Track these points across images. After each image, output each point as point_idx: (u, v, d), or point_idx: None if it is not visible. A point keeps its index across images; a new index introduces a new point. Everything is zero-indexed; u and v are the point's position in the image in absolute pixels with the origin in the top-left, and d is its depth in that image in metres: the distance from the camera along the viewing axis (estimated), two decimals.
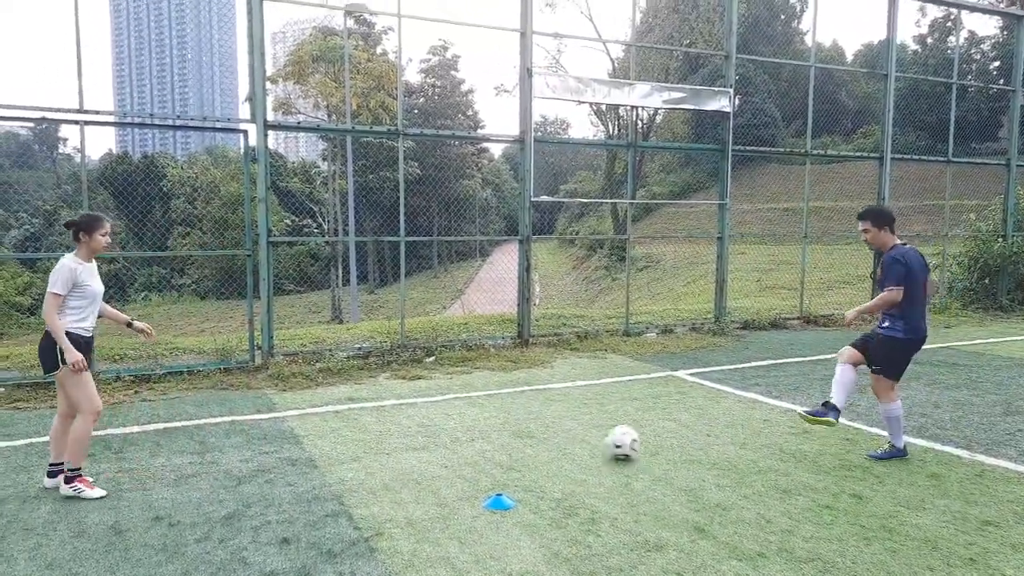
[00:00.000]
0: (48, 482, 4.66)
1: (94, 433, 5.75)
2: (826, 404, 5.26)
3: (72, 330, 4.49)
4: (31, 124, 7.56)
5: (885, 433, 5.49)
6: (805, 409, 5.46)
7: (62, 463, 4.59)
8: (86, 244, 4.60)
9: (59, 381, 4.56)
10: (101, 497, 4.48)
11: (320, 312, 34.19)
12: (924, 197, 28.45)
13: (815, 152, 12.89)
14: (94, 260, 4.72)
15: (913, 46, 48.10)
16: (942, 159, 13.99)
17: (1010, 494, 4.54)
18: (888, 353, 5.23)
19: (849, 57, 57.46)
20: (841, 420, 6.06)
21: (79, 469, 4.55)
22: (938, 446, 5.53)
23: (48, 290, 4.44)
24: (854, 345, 5.47)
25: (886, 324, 5.26)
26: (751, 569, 3.55)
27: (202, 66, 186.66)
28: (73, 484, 4.50)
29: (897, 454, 5.30)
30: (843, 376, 5.33)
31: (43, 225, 47.87)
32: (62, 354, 4.42)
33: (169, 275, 43.61)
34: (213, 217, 39.65)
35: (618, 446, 5.15)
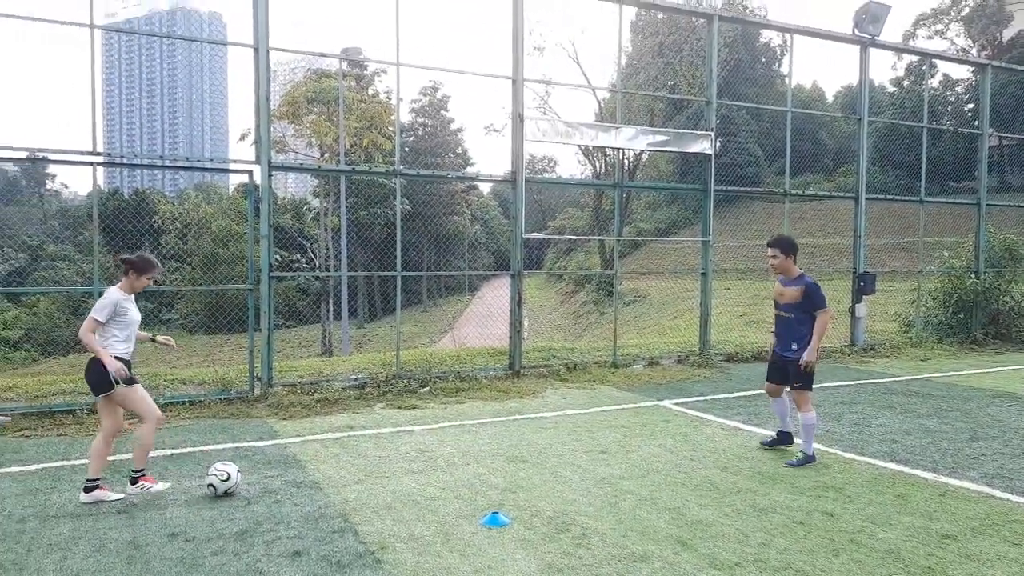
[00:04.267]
0: (84, 497, 5.01)
1: (107, 458, 6.05)
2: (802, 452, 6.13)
3: (120, 355, 5.02)
4: (22, 162, 7.93)
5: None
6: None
7: (99, 479, 5.06)
8: (131, 281, 5.17)
9: (115, 399, 5.03)
10: (166, 489, 5.14)
11: (310, 346, 34.31)
12: (903, 234, 29.21)
13: (793, 192, 13.45)
14: (133, 296, 5.24)
15: (891, 88, 49.73)
16: (915, 199, 14.60)
17: (969, 511, 4.89)
18: (808, 371, 6.06)
19: (829, 98, 59.15)
20: (818, 445, 6.49)
21: (143, 470, 5.09)
22: (906, 469, 5.88)
23: (90, 314, 4.98)
24: (770, 380, 6.50)
25: (795, 347, 6.12)
26: None
27: (192, 105, 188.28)
28: (138, 483, 5.05)
29: (810, 461, 5.99)
30: (779, 407, 6.53)
31: (28, 260, 47.84)
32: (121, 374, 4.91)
33: (157, 310, 43.58)
34: (203, 252, 39.93)
35: (211, 486, 5.08)
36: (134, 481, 5.09)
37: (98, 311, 4.96)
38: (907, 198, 15.52)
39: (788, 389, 6.32)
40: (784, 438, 6.47)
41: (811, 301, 6.02)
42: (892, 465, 6.00)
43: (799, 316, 6.09)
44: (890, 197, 15.98)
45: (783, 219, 13.28)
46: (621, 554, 4.16)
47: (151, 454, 5.45)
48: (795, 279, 6.15)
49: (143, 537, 4.38)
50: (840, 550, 4.23)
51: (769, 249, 6.23)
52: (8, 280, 43.08)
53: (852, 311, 13.31)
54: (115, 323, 5.05)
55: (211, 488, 5.09)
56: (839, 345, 13.20)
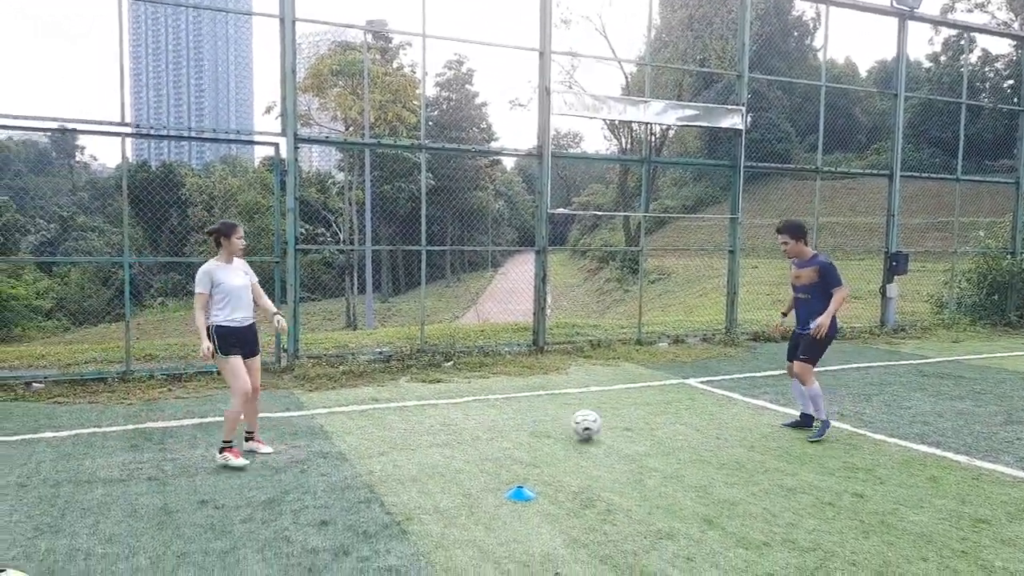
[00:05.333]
0: (243, 445, 5.45)
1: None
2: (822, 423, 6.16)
3: (223, 323, 5.21)
4: (52, 132, 8.03)
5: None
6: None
7: (253, 431, 5.54)
8: (226, 248, 5.31)
9: (218, 366, 5.28)
10: (244, 466, 5.14)
11: (334, 319, 34.61)
12: (938, 214, 28.57)
13: (826, 169, 13.16)
14: (236, 260, 5.37)
15: (927, 63, 48.37)
16: (951, 177, 14.23)
17: (1004, 496, 4.79)
18: (817, 345, 6.08)
19: (863, 74, 57.72)
20: (846, 426, 6.42)
21: (230, 442, 5.19)
22: (938, 451, 5.77)
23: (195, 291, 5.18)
24: (789, 359, 6.40)
25: (812, 325, 6.06)
26: (757, 556, 3.82)
27: (218, 77, 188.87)
28: (223, 454, 5.19)
29: (827, 426, 6.11)
30: (799, 388, 6.31)
31: (59, 230, 48.60)
32: (218, 344, 5.13)
33: (185, 281, 44.10)
34: None
35: (587, 429, 5.87)
36: (221, 450, 5.21)
37: (197, 285, 5.14)
38: (942, 176, 15.11)
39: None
40: (807, 420, 6.40)
41: (826, 280, 6.04)
42: (923, 447, 5.89)
43: (817, 296, 6.10)
44: (925, 175, 15.60)
45: (814, 197, 13.03)
46: (647, 531, 4.13)
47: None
48: (809, 260, 6.18)
49: (173, 503, 4.44)
50: (870, 532, 4.16)
51: (779, 236, 6.26)
52: (40, 250, 43.85)
53: (883, 291, 13.07)
54: (216, 293, 5.18)
55: (587, 431, 5.82)
56: (869, 326, 12.99)
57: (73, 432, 6.03)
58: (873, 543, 4.02)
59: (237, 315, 5.25)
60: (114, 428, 6.15)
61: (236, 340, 5.23)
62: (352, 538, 3.96)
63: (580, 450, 5.70)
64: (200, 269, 5.22)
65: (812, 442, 5.96)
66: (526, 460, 5.42)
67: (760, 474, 5.17)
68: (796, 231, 6.19)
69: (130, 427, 6.20)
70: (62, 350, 9.82)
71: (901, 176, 13.05)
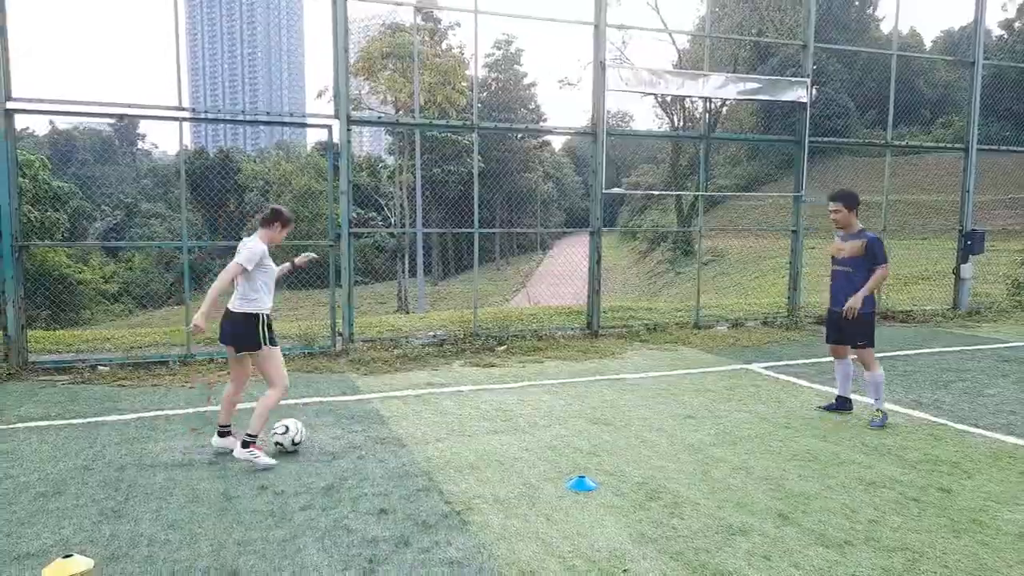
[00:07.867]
0: (216, 441, 5.09)
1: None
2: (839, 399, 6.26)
3: (270, 312, 4.86)
4: (113, 121, 8.07)
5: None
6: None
7: (230, 425, 5.09)
8: (274, 234, 4.96)
9: (260, 357, 4.84)
10: (271, 466, 4.78)
11: (386, 302, 34.96)
12: (1008, 190, 27.19)
13: (896, 143, 12.51)
14: None
15: (998, 31, 45.85)
16: None
17: None
18: (866, 326, 5.92)
19: (927, 44, 55.13)
20: (925, 415, 6.09)
21: (256, 436, 4.84)
22: None
23: (235, 260, 4.70)
24: (829, 341, 6.27)
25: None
26: (838, 555, 3.59)
27: (271, 62, 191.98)
28: (250, 449, 4.79)
29: (886, 417, 5.91)
30: (843, 370, 6.28)
31: (124, 217, 50.28)
32: (266, 334, 4.78)
33: None
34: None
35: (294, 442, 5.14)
36: (245, 445, 4.82)
37: (247, 259, 4.70)
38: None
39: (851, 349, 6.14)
40: (843, 404, 6.27)
41: (872, 255, 5.85)
42: (1012, 439, 5.51)
43: (858, 271, 5.91)
44: (1006, 148, 14.70)
45: (882, 173, 12.41)
46: (717, 526, 3.93)
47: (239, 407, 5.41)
48: (856, 233, 6.00)
49: (234, 489, 4.43)
50: (962, 531, 3.88)
51: (831, 203, 6.08)
52: (106, 236, 45.45)
53: (956, 272, 12.41)
54: (261, 274, 4.80)
55: (279, 446, 5.07)
56: (941, 309, 12.37)
57: (136, 415, 6.11)
58: (965, 543, 3.74)
59: (272, 302, 4.92)
60: (176, 411, 6.22)
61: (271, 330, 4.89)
62: (412, 528, 3.87)
63: (641, 439, 5.50)
64: (254, 242, 4.82)
65: (874, 429, 5.79)
66: (586, 448, 5.26)
67: (835, 466, 4.90)
68: (850, 200, 6.02)
69: (191, 410, 6.25)
70: (126, 333, 10.05)
71: (978, 150, 12.32)
